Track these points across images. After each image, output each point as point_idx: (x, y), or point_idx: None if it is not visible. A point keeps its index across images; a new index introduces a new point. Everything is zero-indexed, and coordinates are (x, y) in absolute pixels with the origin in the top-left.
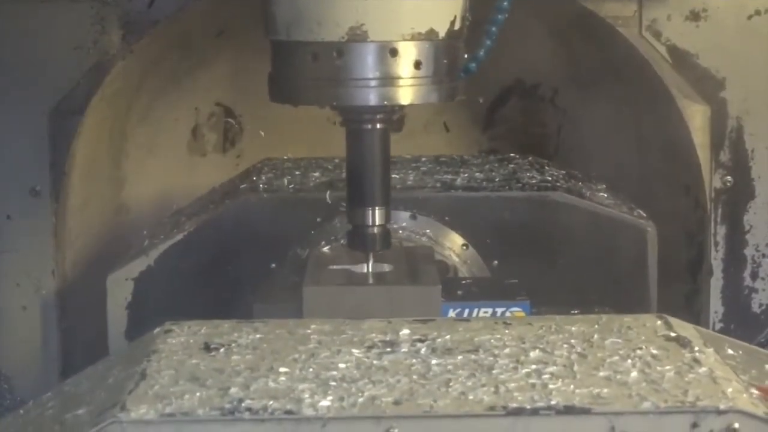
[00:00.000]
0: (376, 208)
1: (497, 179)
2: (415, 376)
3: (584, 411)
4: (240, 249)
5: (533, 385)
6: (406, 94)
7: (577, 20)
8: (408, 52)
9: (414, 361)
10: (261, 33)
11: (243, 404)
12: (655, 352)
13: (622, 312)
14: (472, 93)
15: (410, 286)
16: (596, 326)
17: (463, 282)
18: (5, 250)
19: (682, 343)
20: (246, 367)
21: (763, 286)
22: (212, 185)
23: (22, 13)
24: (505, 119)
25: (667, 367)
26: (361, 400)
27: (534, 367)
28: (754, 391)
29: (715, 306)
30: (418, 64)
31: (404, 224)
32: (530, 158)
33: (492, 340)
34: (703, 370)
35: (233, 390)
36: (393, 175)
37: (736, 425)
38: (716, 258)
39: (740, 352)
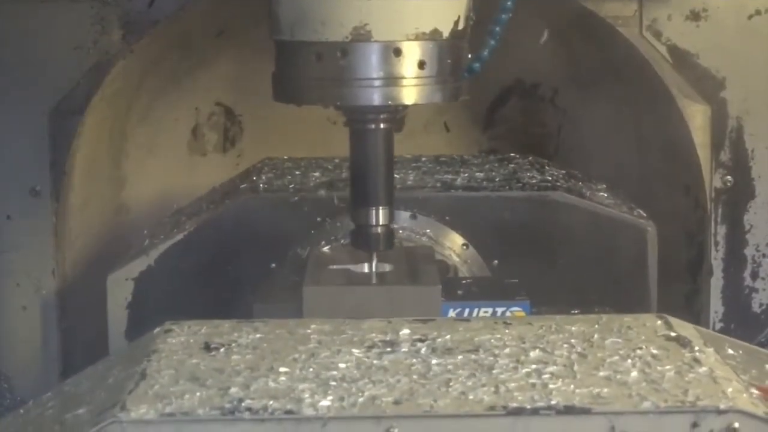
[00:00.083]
0: (380, 207)
1: (497, 179)
2: (415, 376)
3: (584, 411)
4: (240, 249)
5: (533, 385)
6: (410, 94)
7: (577, 20)
8: (412, 52)
9: (414, 360)
10: (261, 33)
11: (243, 404)
12: (655, 351)
13: (622, 312)
14: (472, 93)
15: (410, 286)
16: (596, 326)
17: (463, 282)
18: (5, 250)
19: (683, 342)
20: (246, 366)
21: (763, 285)
22: (212, 185)
23: (23, 13)
24: (505, 119)
25: (667, 367)
26: (361, 399)
27: (534, 366)
28: (754, 391)
29: (716, 306)
30: (422, 64)
31: (404, 224)
32: (530, 158)
33: (492, 340)
34: (703, 369)
35: (233, 390)
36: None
37: (736, 425)
38: (716, 258)
39: (740, 351)
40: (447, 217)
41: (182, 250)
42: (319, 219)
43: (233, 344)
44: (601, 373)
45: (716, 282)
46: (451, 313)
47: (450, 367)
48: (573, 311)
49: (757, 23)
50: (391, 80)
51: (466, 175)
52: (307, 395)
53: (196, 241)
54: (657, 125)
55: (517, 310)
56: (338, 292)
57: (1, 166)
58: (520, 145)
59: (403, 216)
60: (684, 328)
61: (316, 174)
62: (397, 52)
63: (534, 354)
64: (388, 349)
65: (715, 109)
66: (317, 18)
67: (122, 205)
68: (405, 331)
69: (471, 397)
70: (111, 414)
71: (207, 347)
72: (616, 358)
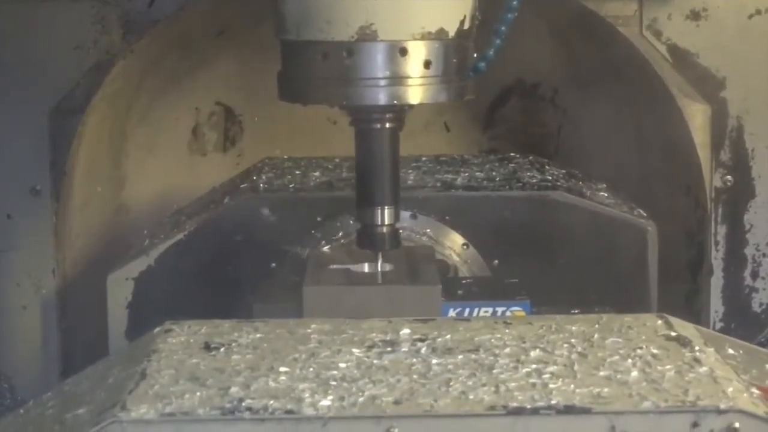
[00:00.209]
0: (385, 207)
1: (498, 179)
2: (415, 376)
3: (584, 410)
4: (240, 249)
5: (533, 385)
6: (415, 94)
7: (577, 20)
8: (418, 52)
9: (414, 360)
10: (261, 33)
11: (243, 404)
12: (655, 351)
13: (622, 311)
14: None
15: (410, 285)
16: (596, 326)
17: (464, 281)
18: (5, 250)
19: (683, 342)
20: (246, 366)
21: (763, 285)
22: (213, 185)
23: (23, 12)
24: (506, 119)
25: (668, 367)
26: (361, 399)
27: (534, 366)
28: (755, 391)
29: (716, 305)
30: (427, 64)
31: (405, 224)
32: (530, 158)
33: (492, 340)
34: (703, 369)
35: (233, 390)
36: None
37: (737, 425)
38: (716, 257)
39: (741, 351)
40: (447, 217)
41: (182, 250)
42: (319, 219)
43: (233, 344)
44: (602, 373)
45: (716, 282)
46: (452, 313)
47: (450, 366)
48: (573, 311)
49: (757, 23)
50: (397, 80)
51: (467, 174)
52: (307, 395)
53: (196, 241)
54: (657, 125)
55: (517, 310)
56: (338, 291)
57: (1, 165)
58: (520, 144)
59: (404, 216)
60: (684, 327)
61: (316, 174)
62: (403, 51)
63: (534, 354)
64: (389, 349)
65: (716, 108)
66: (323, 17)
67: (122, 204)
68: (405, 331)
69: (471, 396)
70: (111, 414)
71: (207, 347)
72: (617, 357)
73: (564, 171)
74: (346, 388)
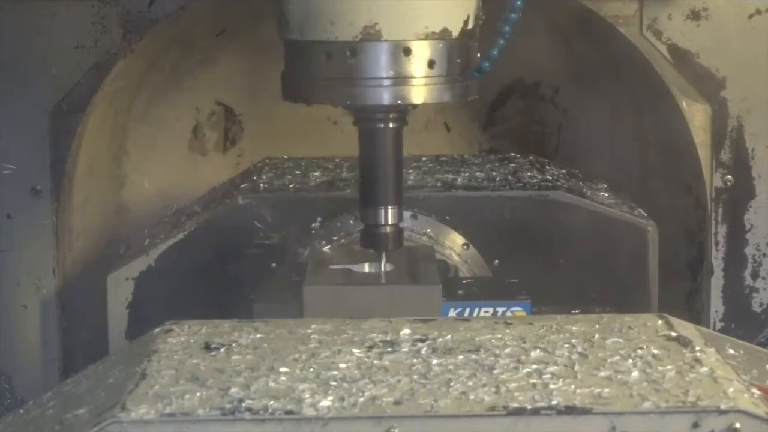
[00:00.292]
0: (389, 207)
1: (498, 179)
2: (415, 376)
3: (585, 411)
4: (240, 249)
5: (534, 385)
6: (419, 94)
7: (577, 19)
8: (421, 52)
9: (415, 360)
10: (261, 32)
11: (243, 404)
12: (656, 351)
13: (623, 312)
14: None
15: (411, 285)
16: (597, 326)
17: (464, 281)
18: (6, 249)
19: (683, 342)
20: (246, 367)
21: (763, 285)
22: (213, 184)
23: (23, 12)
24: (506, 118)
25: (668, 367)
26: (361, 400)
27: (535, 366)
28: (756, 391)
29: (716, 305)
30: (431, 64)
31: (405, 224)
32: (531, 157)
33: (493, 340)
34: (704, 369)
35: (234, 390)
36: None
37: (737, 425)
38: (717, 257)
39: (741, 351)
40: (447, 217)
41: (182, 250)
42: (319, 219)
43: (233, 344)
44: (602, 373)
45: (716, 281)
46: (452, 313)
47: (450, 367)
48: (574, 311)
49: (757, 23)
50: (401, 80)
51: (467, 174)
52: (307, 395)
53: (196, 241)
54: (657, 124)
55: (517, 310)
56: (339, 291)
57: (1, 164)
58: (520, 144)
59: (404, 216)
60: (685, 327)
61: (317, 174)
62: (407, 51)
63: (535, 354)
64: (389, 349)
65: (716, 108)
66: (327, 17)
67: (123, 204)
68: (405, 331)
69: (472, 397)
70: (111, 414)
71: (207, 347)
72: (617, 358)
73: (564, 171)
74: (347, 389)
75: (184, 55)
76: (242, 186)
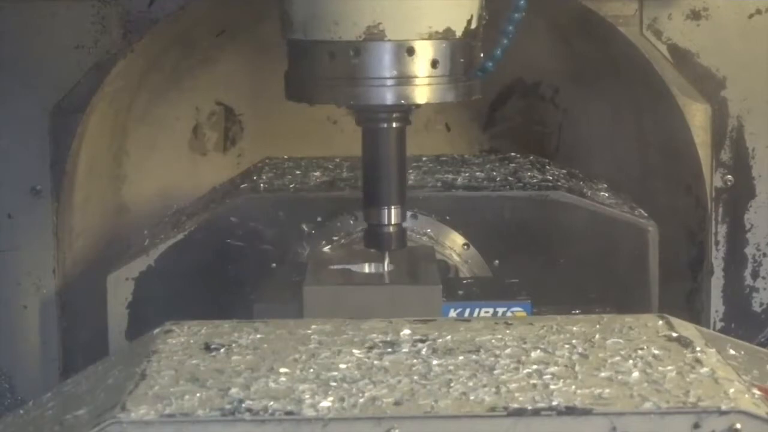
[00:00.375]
0: (392, 207)
1: (498, 178)
2: (416, 377)
3: (586, 411)
4: (240, 249)
5: (534, 386)
6: (422, 93)
7: (578, 19)
8: (425, 51)
9: (415, 361)
10: (262, 32)
11: (243, 405)
12: (656, 352)
13: (623, 312)
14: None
15: (411, 285)
16: (597, 326)
17: (464, 282)
18: (6, 249)
19: (684, 343)
20: (246, 367)
21: (763, 285)
22: (213, 184)
23: (23, 12)
24: (506, 118)
25: (669, 368)
26: (361, 400)
27: (535, 367)
28: (756, 392)
29: (716, 305)
30: (434, 63)
31: (405, 224)
32: (531, 157)
33: (493, 341)
34: (704, 370)
35: (233, 390)
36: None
37: (738, 426)
38: (717, 257)
39: (742, 352)
40: (448, 217)
41: (182, 250)
42: (319, 219)
43: (233, 345)
44: (603, 374)
45: (717, 281)
46: (452, 313)
47: (451, 367)
48: (574, 311)
49: (757, 22)
50: (404, 79)
51: (467, 174)
52: (307, 396)
53: (196, 241)
54: (657, 124)
55: (518, 311)
56: (339, 292)
57: (1, 164)
58: (520, 144)
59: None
60: (685, 328)
61: (317, 174)
62: (410, 51)
63: (535, 354)
64: (389, 350)
65: (716, 108)
66: (330, 17)
67: (123, 204)
68: (406, 332)
69: (472, 397)
70: (111, 415)
71: (207, 348)
72: (618, 358)
73: (565, 171)
74: (347, 389)
75: (184, 55)
76: (242, 186)
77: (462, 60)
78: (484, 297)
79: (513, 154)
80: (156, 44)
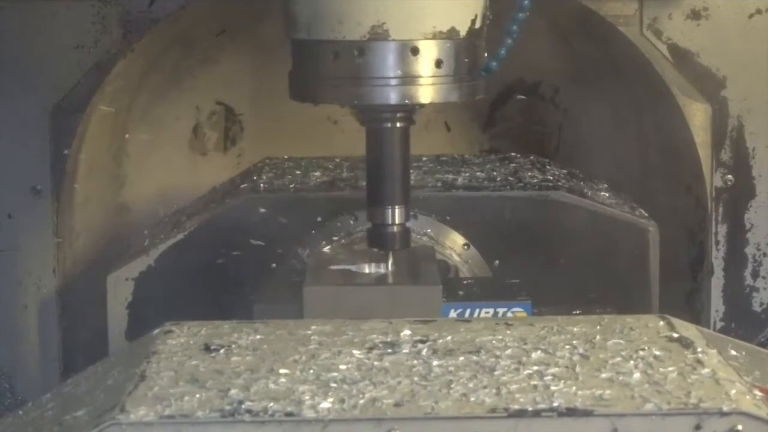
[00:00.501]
0: (396, 206)
1: (498, 179)
2: (416, 378)
3: (586, 413)
4: (240, 249)
5: (535, 387)
6: (426, 93)
7: (578, 19)
8: (429, 51)
9: (415, 362)
10: (262, 32)
11: (243, 406)
12: (657, 353)
13: (624, 312)
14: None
15: (411, 286)
16: (598, 327)
17: (465, 282)
18: (6, 249)
19: (685, 344)
20: (246, 368)
21: (764, 284)
22: (213, 184)
23: (23, 12)
24: (506, 118)
25: (670, 369)
26: (361, 401)
27: (536, 368)
28: (758, 393)
29: (716, 305)
30: (439, 63)
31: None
32: (531, 157)
33: (493, 341)
34: (706, 371)
35: (233, 392)
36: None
37: (740, 427)
38: (717, 257)
39: (743, 353)
40: (448, 217)
41: (182, 250)
42: (319, 219)
43: (233, 345)
44: (604, 375)
45: (717, 281)
46: (453, 314)
47: (451, 368)
48: (575, 312)
49: (757, 22)
50: (408, 79)
51: (467, 174)
52: (307, 397)
53: (196, 241)
54: (658, 124)
55: (518, 311)
56: (339, 292)
57: (1, 164)
58: (520, 143)
59: None
60: (686, 328)
61: (317, 174)
62: (415, 51)
63: (536, 355)
64: (389, 351)
65: (716, 108)
66: (335, 17)
67: (123, 203)
68: (406, 332)
69: (472, 398)
70: (110, 416)
71: (207, 348)
72: (619, 359)
73: (565, 171)
74: (347, 390)
75: (185, 55)
76: (242, 186)
77: (466, 60)
78: (485, 297)
79: (513, 154)
80: (156, 44)
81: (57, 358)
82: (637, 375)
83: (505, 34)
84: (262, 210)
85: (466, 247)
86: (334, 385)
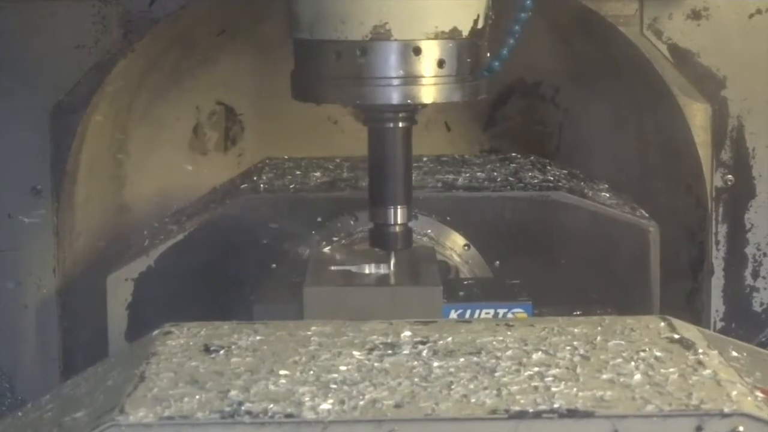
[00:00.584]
0: (398, 206)
1: (499, 179)
2: (416, 379)
3: (587, 414)
4: (240, 249)
5: (536, 388)
6: (428, 93)
7: (578, 19)
8: (431, 51)
9: (415, 363)
10: (262, 32)
11: (243, 407)
12: (658, 354)
13: (624, 313)
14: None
15: (411, 286)
16: (599, 328)
17: (465, 283)
18: (6, 249)
19: (686, 345)
20: (246, 369)
21: (764, 285)
22: (213, 184)
23: (23, 12)
24: (507, 118)
25: (671, 370)
26: (362, 403)
27: (536, 369)
28: (759, 394)
29: (716, 305)
30: (441, 63)
31: None
32: (532, 158)
33: (494, 342)
34: (707, 372)
35: (233, 393)
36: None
37: (741, 428)
38: (717, 257)
39: (744, 354)
40: (448, 218)
41: (182, 250)
42: (319, 219)
43: (233, 346)
44: (604, 376)
45: (717, 281)
46: (453, 315)
47: (452, 369)
48: (575, 312)
49: (757, 22)
50: (411, 79)
51: (468, 175)
52: (307, 398)
53: (196, 241)
54: (658, 124)
55: (519, 312)
56: (339, 293)
57: (1, 164)
58: (521, 144)
59: None
60: (687, 329)
61: (317, 174)
62: (417, 50)
63: (536, 356)
64: (389, 352)
65: (716, 108)
66: (337, 17)
67: (123, 204)
68: (406, 333)
69: (473, 400)
70: (109, 417)
71: (206, 349)
72: (620, 360)
73: (566, 171)
74: (347, 392)
75: (185, 54)
76: (242, 186)
77: (468, 60)
78: (485, 298)
79: (514, 154)
80: (156, 44)
81: (57, 358)
82: (638, 376)
83: (507, 34)
84: (262, 210)
85: (466, 247)
86: (334, 386)
